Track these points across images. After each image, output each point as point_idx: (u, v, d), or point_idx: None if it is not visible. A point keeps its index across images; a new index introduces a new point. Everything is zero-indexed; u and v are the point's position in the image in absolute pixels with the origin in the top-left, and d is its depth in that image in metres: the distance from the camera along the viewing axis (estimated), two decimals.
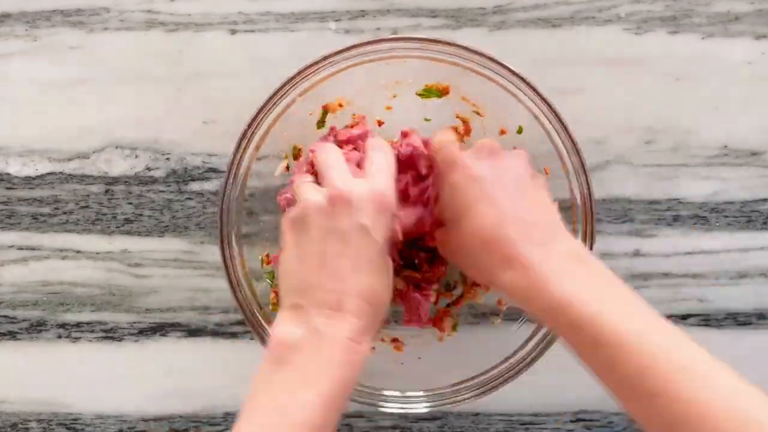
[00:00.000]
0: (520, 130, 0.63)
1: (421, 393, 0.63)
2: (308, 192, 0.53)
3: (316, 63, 0.60)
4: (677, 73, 0.68)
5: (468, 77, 0.62)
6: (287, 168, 0.65)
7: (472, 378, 0.63)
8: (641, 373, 0.45)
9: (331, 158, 0.55)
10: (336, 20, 0.68)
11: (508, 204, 0.53)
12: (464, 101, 0.64)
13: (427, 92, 0.64)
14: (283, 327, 0.51)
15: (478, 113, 0.64)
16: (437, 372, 0.64)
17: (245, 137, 0.60)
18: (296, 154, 0.65)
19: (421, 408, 0.63)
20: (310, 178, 0.57)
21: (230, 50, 0.68)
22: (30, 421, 0.70)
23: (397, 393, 0.63)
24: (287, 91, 0.60)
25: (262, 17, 0.68)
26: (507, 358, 0.62)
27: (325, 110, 0.64)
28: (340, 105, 0.64)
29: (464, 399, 0.62)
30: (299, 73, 0.60)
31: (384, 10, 0.68)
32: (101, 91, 0.69)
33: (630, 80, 0.68)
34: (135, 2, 0.69)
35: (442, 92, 0.64)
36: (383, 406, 0.63)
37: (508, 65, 0.60)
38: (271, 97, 0.60)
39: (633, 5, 0.68)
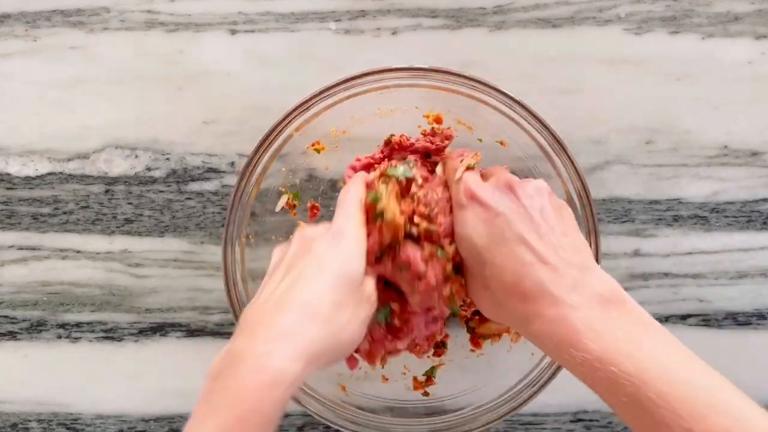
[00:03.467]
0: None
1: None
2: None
3: (353, 78, 0.59)
4: (677, 73, 0.68)
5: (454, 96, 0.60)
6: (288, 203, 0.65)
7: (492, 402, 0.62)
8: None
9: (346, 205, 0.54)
10: (336, 20, 0.68)
11: (532, 243, 0.48)
12: (459, 125, 0.63)
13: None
14: (214, 359, 0.46)
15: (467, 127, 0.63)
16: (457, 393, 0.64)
17: (266, 141, 0.60)
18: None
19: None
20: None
21: (230, 50, 0.68)
22: (30, 421, 0.70)
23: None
24: (314, 102, 0.59)
25: (262, 17, 0.68)
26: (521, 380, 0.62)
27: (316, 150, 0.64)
28: (321, 148, 0.64)
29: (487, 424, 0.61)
30: (332, 86, 0.59)
31: (384, 10, 0.68)
32: (101, 91, 0.69)
33: (630, 80, 0.68)
34: (135, 2, 0.69)
35: (437, 122, 0.63)
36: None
37: (501, 89, 0.59)
38: (295, 108, 0.59)
39: (633, 5, 0.68)
